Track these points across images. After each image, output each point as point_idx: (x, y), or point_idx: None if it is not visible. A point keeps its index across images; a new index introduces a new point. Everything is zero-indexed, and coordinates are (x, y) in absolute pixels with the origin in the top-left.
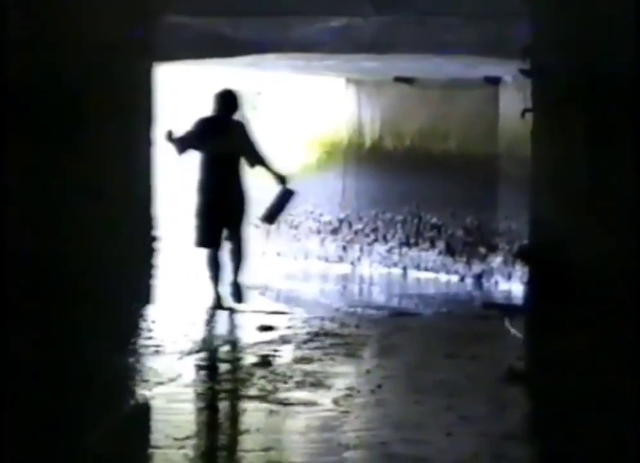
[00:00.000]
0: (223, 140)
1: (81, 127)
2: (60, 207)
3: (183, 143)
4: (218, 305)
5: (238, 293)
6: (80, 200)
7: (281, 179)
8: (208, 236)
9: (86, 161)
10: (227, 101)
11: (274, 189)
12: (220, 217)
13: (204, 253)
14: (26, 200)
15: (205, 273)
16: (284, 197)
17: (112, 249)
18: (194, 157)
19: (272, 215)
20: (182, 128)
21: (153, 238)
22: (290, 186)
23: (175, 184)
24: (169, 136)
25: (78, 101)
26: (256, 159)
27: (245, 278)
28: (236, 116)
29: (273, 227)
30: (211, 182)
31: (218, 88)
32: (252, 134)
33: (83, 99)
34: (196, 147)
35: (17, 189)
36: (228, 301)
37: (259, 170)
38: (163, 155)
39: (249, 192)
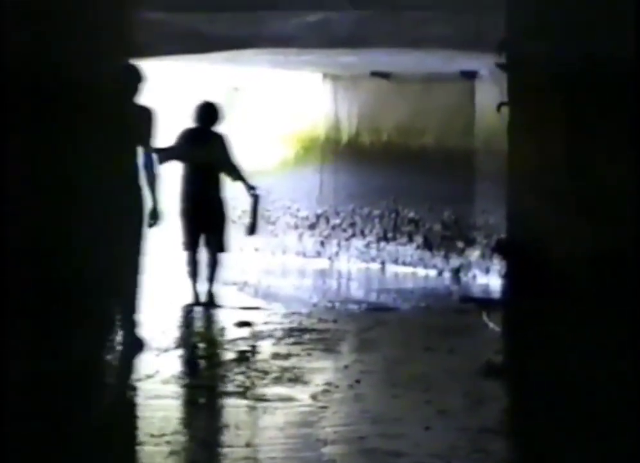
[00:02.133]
0: (203, 151)
1: (63, 123)
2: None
3: (165, 154)
4: (196, 301)
5: (211, 301)
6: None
7: (251, 189)
8: (189, 241)
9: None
10: (207, 113)
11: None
12: (200, 223)
13: (183, 253)
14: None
15: (184, 272)
16: (255, 204)
17: (96, 248)
18: (176, 166)
19: (252, 227)
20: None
21: None
22: (256, 192)
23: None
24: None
25: (56, 98)
26: (233, 173)
27: (219, 284)
28: (217, 128)
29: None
30: (191, 191)
31: (196, 96)
32: (230, 147)
33: (62, 96)
34: (178, 158)
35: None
36: (205, 298)
37: (235, 182)
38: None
39: (227, 200)
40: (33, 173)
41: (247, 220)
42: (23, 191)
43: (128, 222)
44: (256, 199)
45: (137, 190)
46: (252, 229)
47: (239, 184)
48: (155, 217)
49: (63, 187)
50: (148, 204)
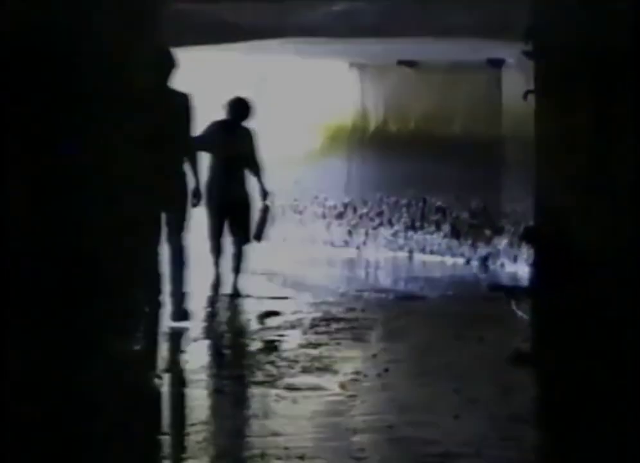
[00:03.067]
0: (229, 144)
1: (93, 117)
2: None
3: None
4: (217, 284)
5: (237, 293)
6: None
7: (265, 195)
8: (214, 231)
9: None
10: (239, 108)
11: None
12: (225, 215)
13: (208, 242)
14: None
15: (209, 259)
16: (265, 215)
17: (124, 237)
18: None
19: (259, 233)
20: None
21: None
22: (267, 202)
23: None
24: None
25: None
26: (253, 170)
27: (244, 276)
28: (246, 122)
29: (279, 212)
30: (218, 182)
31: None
32: (257, 143)
33: (94, 88)
34: (202, 148)
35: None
36: (228, 286)
37: (253, 179)
38: None
39: (252, 195)
40: (68, 162)
41: (256, 224)
42: (54, 180)
43: (170, 210)
44: (266, 209)
45: (182, 174)
46: (258, 236)
47: (255, 183)
48: (198, 196)
49: (104, 175)
50: (190, 186)
